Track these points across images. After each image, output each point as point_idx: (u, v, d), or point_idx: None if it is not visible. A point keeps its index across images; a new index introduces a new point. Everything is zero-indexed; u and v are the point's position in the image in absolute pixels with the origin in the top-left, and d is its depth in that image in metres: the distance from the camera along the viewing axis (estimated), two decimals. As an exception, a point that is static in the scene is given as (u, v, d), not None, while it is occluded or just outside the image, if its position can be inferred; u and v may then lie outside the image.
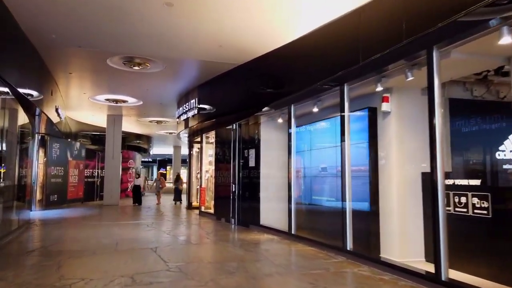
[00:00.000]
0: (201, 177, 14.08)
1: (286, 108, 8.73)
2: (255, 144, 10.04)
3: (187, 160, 17.56)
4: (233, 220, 10.91)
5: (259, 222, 9.60)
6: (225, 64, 10.15)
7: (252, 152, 10.17)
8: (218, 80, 11.53)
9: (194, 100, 12.77)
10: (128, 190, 23.20)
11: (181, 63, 10.51)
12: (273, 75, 9.18)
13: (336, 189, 7.23)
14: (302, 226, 8.20)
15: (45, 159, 15.45)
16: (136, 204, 16.99)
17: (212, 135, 13.66)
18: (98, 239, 8.31)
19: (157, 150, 35.08)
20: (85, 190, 19.36)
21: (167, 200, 20.70)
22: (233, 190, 11.00)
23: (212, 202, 13.00)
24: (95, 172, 20.63)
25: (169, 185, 26.21)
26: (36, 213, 13.87)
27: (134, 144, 26.63)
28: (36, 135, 15.11)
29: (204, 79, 11.90)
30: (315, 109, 7.88)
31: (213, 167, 14.64)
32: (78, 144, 18.55)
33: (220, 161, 12.34)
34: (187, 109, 13.35)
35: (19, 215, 9.80)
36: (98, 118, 18.98)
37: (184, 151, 35.15)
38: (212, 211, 12.83)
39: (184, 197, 19.19)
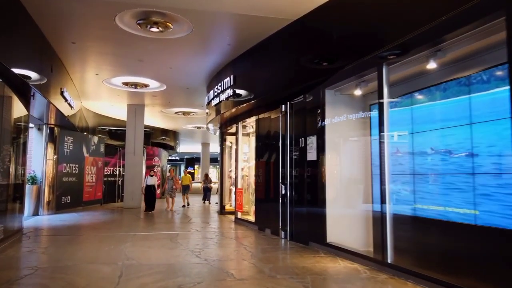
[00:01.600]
0: (236, 176, 11.25)
1: (370, 71, 5.77)
2: (316, 129, 7.10)
3: (219, 157, 14.81)
4: (283, 233, 8.01)
5: (325, 238, 6.65)
6: (272, 22, 7.30)
7: (312, 140, 7.23)
8: (260, 48, 8.67)
9: (228, 79, 9.96)
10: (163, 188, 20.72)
11: (213, 21, 7.71)
12: (347, 24, 6.21)
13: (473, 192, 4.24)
14: (403, 249, 5.20)
15: (55, 156, 13.06)
16: (149, 211, 13.28)
17: (251, 123, 10.82)
18: (98, 264, 5.61)
19: (184, 147, 32.68)
20: (105, 191, 16.99)
21: (195, 202, 18.05)
22: (283, 192, 8.10)
23: (253, 208, 10.14)
24: (116, 170, 18.26)
25: (195, 184, 23.67)
26: (41, 219, 11.46)
27: (159, 141, 24.22)
28: (44, 126, 12.75)
29: (243, 48, 9.06)
30: (431, 65, 4.87)
31: (252, 163, 11.83)
32: (95, 138, 16.18)
33: (263, 155, 9.46)
34: (219, 91, 10.55)
35: (4, 223, 7.33)
36: (118, 110, 16.52)
37: (213, 148, 32.58)
38: (252, 218, 9.99)
39: (213, 199, 16.55)
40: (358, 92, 6.46)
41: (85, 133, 15.67)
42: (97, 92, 13.81)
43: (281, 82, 8.16)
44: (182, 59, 9.98)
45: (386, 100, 5.44)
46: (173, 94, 13.78)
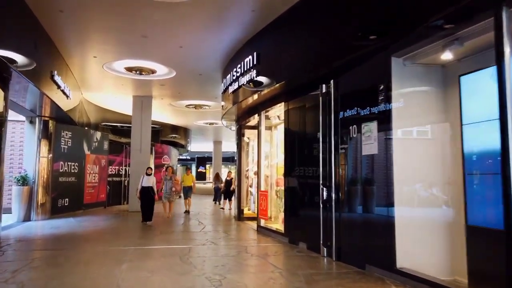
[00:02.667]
0: (258, 176, 9.36)
1: (474, 21, 3.86)
2: (377, 113, 5.19)
3: (235, 156, 12.96)
4: (326, 250, 6.11)
5: (393, 261, 4.74)
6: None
7: (370, 128, 5.32)
8: (292, 15, 6.80)
9: (250, 58, 8.10)
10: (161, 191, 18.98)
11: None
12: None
13: None
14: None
15: (50, 153, 11.35)
16: (145, 222, 9.92)
17: (277, 112, 8.96)
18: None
19: (195, 146, 30.96)
20: (109, 192, 15.27)
21: (206, 204, 16.23)
22: (325, 196, 6.20)
23: (281, 215, 8.25)
24: (121, 169, 16.54)
25: (200, 185, 21.86)
26: (30, 225, 9.73)
27: (169, 139, 22.50)
28: (37, 118, 11.04)
29: (270, 16, 7.21)
30: None
31: (276, 161, 9.97)
32: (98, 134, 14.46)
33: (296, 150, 7.57)
34: (238, 74, 8.70)
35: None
36: (123, 103, 14.78)
37: (226, 147, 30.75)
38: (280, 228, 8.10)
39: (224, 200, 14.73)
40: (446, 56, 4.53)
41: (86, 128, 13.95)
42: (98, 81, 12.07)
43: (322, 54, 6.25)
44: (194, 34, 8.15)
45: (508, 59, 3.51)
46: (184, 82, 11.96)
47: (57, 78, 8.87)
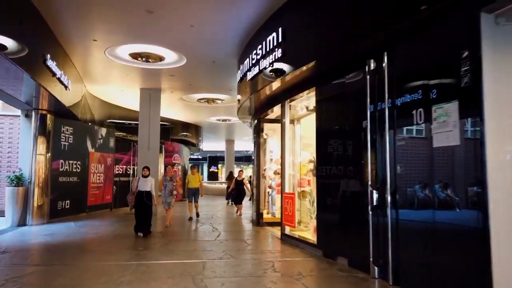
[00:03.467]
0: (283, 176, 7.98)
1: None
2: (458, 90, 3.80)
3: (252, 154, 11.66)
4: (377, 269, 4.74)
5: (487, 295, 3.36)
6: None
7: (447, 110, 3.92)
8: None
9: (274, 36, 6.76)
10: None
11: None
12: None
13: None
14: None
15: (49, 150, 10.20)
16: (140, 233, 7.86)
17: (305, 100, 7.60)
18: None
19: (207, 145, 29.77)
20: (116, 193, 14.09)
21: (216, 206, 14.93)
22: (375, 201, 4.83)
23: (312, 223, 6.86)
24: (129, 169, 15.37)
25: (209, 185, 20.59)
26: (24, 231, 8.56)
27: (180, 137, 21.32)
28: (33, 112, 9.89)
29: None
30: None
31: (300, 159, 8.65)
32: (103, 130, 13.28)
33: (331, 144, 6.21)
34: (259, 56, 7.37)
35: None
36: (131, 97, 13.58)
37: (238, 146, 29.48)
38: (310, 237, 6.75)
39: (242, 201, 13.39)
40: None
41: (90, 124, 12.78)
42: (101, 71, 10.88)
43: (370, 19, 4.87)
44: (208, 9, 6.86)
45: None
46: (195, 71, 10.67)
47: (51, 64, 7.66)
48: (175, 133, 21.21)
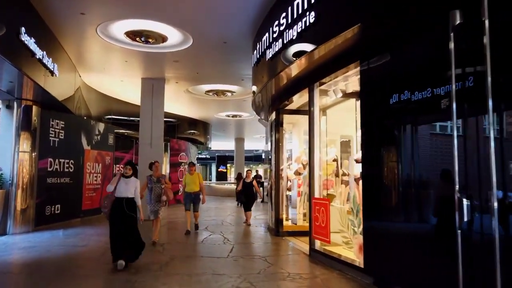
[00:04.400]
0: (311, 177, 6.37)
1: None
2: None
3: (270, 152, 10.12)
4: (473, 317, 3.17)
5: None
6: None
7: None
8: None
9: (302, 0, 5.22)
10: (179, 193, 16.37)
11: None
12: None
13: None
14: None
15: (34, 147, 8.77)
16: (120, 262, 5.23)
17: (342, 81, 5.99)
18: None
19: (215, 144, 28.31)
20: (116, 195, 12.62)
21: (225, 209, 13.38)
22: (466, 215, 3.24)
23: (358, 239, 5.22)
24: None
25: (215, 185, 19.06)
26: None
27: (187, 135, 19.88)
28: (15, 102, 8.47)
29: None
30: None
31: (335, 156, 7.13)
32: (101, 125, 11.82)
33: (385, 136, 4.61)
34: (283, 27, 5.81)
35: None
36: (132, 89, 12.11)
37: (248, 145, 27.94)
38: (352, 257, 5.16)
39: (255, 208, 11.83)
40: None
41: (85, 118, 11.33)
42: (96, 55, 9.42)
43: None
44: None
45: None
46: (203, 55, 9.14)
47: (27, 40, 6.20)
48: (181, 130, 19.78)
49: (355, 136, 6.74)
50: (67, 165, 9.94)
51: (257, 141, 27.72)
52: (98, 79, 11.37)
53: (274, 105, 8.61)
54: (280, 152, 8.50)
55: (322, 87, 6.32)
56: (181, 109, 16.02)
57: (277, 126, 8.46)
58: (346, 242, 5.71)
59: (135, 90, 11.74)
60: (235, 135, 24.99)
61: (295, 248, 6.78)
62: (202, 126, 20.35)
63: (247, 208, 10.08)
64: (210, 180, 35.50)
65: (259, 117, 17.49)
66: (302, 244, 7.05)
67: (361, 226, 4.90)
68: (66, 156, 9.87)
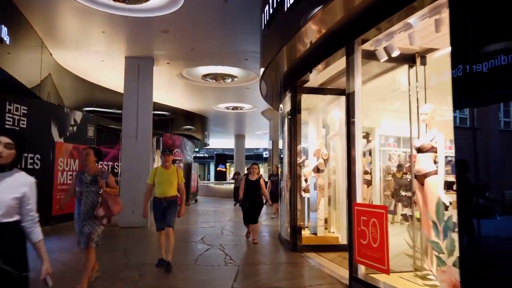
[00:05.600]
0: (351, 174, 4.40)
1: None
2: None
3: (282, 143, 8.19)
4: None
5: None
6: None
7: None
8: None
9: None
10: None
11: None
12: None
13: None
14: None
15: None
16: None
17: (401, 28, 4.03)
18: None
19: (214, 142, 26.36)
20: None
21: (224, 213, 11.39)
22: None
23: (448, 272, 3.19)
24: (117, 166, 11.94)
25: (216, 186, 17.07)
26: None
27: (183, 131, 17.98)
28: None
29: None
30: None
31: (417, 141, 5.24)
32: (78, 114, 9.84)
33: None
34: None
35: None
36: (117, 74, 10.13)
37: (249, 143, 25.95)
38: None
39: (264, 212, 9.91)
40: None
41: (57, 104, 9.35)
42: (65, 23, 7.50)
43: None
44: None
45: None
46: (198, 22, 7.20)
47: None
48: (176, 126, 17.89)
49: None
50: (31, 161, 7.99)
51: (258, 138, 25.82)
52: (74, 58, 9.40)
53: (289, 82, 6.67)
54: (298, 142, 6.53)
55: (365, 45, 4.38)
56: (175, 99, 14.10)
57: (293, 109, 6.49)
58: (423, 276, 3.75)
59: (120, 75, 9.75)
60: (235, 131, 23.07)
61: (323, 273, 4.86)
62: (199, 121, 18.44)
63: (253, 219, 6.93)
64: (209, 180, 33.54)
65: (263, 110, 15.63)
66: (332, 266, 5.14)
67: (452, 256, 2.95)
68: (30, 149, 7.92)
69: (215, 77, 10.75)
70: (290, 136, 6.55)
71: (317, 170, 7.03)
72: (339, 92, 6.36)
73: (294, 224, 6.28)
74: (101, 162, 11.16)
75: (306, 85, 6.35)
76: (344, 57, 4.46)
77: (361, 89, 4.35)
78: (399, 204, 8.92)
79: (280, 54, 5.48)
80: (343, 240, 6.48)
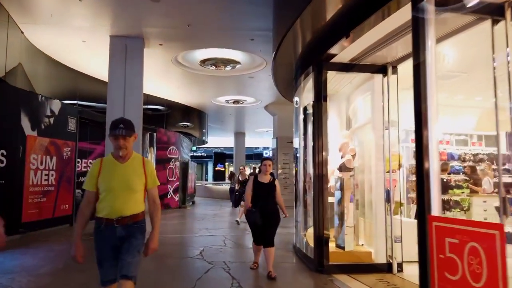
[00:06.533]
0: (422, 174, 3.01)
1: None
2: None
3: (300, 132, 6.80)
4: None
5: None
6: None
7: None
8: None
9: None
10: (168, 196, 13.03)
11: None
12: None
13: None
14: None
15: None
16: None
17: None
18: None
19: (212, 140, 24.93)
20: (79, 201, 9.27)
21: (223, 215, 9.96)
22: None
23: None
24: (104, 165, 10.50)
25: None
26: None
27: (179, 129, 16.58)
28: None
29: None
30: None
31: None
32: (56, 103, 8.39)
33: None
34: None
35: None
36: (102, 59, 8.64)
37: (250, 141, 24.51)
38: None
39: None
40: None
41: (28, 90, 7.89)
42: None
43: None
44: None
45: None
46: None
47: None
48: (172, 122, 16.50)
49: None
50: (-6, 158, 6.56)
51: (259, 136, 24.43)
52: (50, 38, 7.96)
53: (312, 57, 5.26)
54: (323, 135, 5.09)
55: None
56: (170, 91, 12.68)
57: (317, 92, 5.05)
58: None
59: (105, 60, 8.28)
60: (234, 128, 21.68)
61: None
62: (197, 117, 17.03)
63: (268, 240, 4.67)
64: (207, 180, 32.11)
65: (266, 104, 14.24)
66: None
67: None
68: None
69: (215, 62, 9.35)
70: (314, 128, 5.12)
71: (342, 168, 5.64)
72: (377, 69, 4.98)
73: (320, 237, 4.87)
74: (85, 161, 9.75)
75: (334, 60, 4.95)
76: (409, 5, 3.06)
77: (434, 54, 2.96)
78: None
79: (303, 17, 4.10)
80: (377, 257, 5.12)
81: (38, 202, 7.68)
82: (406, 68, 4.97)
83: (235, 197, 10.13)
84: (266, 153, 31.37)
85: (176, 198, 13.55)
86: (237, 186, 10.03)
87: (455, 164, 9.17)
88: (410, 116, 3.15)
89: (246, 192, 4.95)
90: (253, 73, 10.09)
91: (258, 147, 32.41)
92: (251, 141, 26.22)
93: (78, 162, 9.33)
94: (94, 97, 10.98)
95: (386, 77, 5.03)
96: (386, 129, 5.11)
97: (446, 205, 7.46)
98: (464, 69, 5.79)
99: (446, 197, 7.44)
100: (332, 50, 4.75)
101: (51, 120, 8.13)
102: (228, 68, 9.71)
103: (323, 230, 4.85)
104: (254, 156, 31.38)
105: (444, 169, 7.82)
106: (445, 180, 7.57)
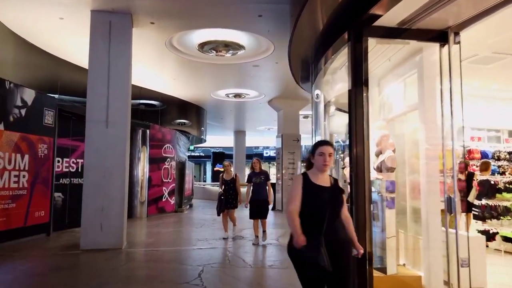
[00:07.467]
0: None
1: None
2: None
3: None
4: None
5: None
6: None
7: None
8: None
9: None
10: (163, 199, 11.76)
11: None
12: None
13: None
14: None
15: None
16: None
17: None
18: None
19: (211, 139, 23.65)
20: (59, 207, 8.02)
21: (215, 222, 8.58)
22: None
23: None
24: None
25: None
26: None
27: (176, 126, 15.35)
28: None
29: None
30: None
31: None
32: (29, 92, 7.08)
33: None
34: None
35: None
36: (79, 35, 7.31)
37: (250, 141, 23.22)
38: None
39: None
40: None
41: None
42: None
43: None
44: None
45: None
46: None
47: None
48: (168, 120, 15.29)
49: None
50: None
51: (259, 135, 23.18)
52: (21, 14, 6.65)
53: (345, 20, 3.99)
54: (366, 127, 3.76)
55: None
56: (165, 83, 11.40)
57: (356, 62, 3.74)
58: None
59: (87, 43, 6.97)
60: (234, 127, 20.44)
61: None
62: (195, 113, 15.77)
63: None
64: (205, 181, 30.82)
65: (270, 98, 13.00)
66: None
67: None
68: None
69: (216, 47, 8.07)
70: (351, 118, 3.80)
71: (382, 168, 4.39)
72: (434, 36, 3.74)
73: (362, 260, 3.60)
74: (67, 160, 8.45)
75: (377, 23, 3.68)
76: None
77: None
78: (467, 216, 6.24)
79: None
80: (429, 283, 3.89)
81: (6, 209, 6.40)
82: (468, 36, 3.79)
83: (219, 202, 7.34)
84: (267, 153, 30.14)
85: (172, 202, 12.28)
86: (221, 188, 7.42)
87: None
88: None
89: (290, 205, 2.51)
90: (259, 60, 8.84)
91: (258, 147, 31.19)
92: (251, 140, 25.00)
93: (58, 161, 8.04)
94: (77, 88, 9.67)
95: (444, 47, 3.79)
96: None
97: (494, 212, 6.22)
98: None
99: (493, 203, 6.21)
100: (376, 9, 3.50)
101: (22, 111, 6.84)
102: (231, 54, 8.45)
103: (365, 251, 3.58)
104: (254, 156, 30.15)
105: (483, 168, 6.60)
106: (492, 182, 6.32)
